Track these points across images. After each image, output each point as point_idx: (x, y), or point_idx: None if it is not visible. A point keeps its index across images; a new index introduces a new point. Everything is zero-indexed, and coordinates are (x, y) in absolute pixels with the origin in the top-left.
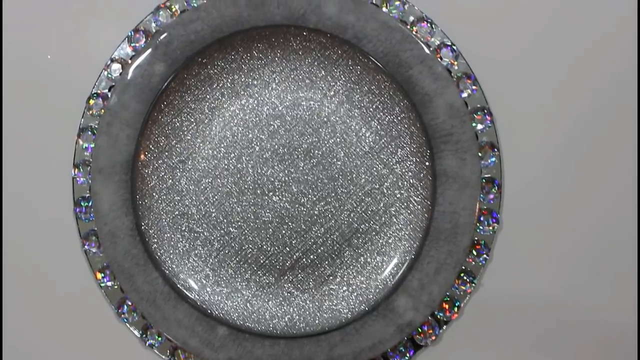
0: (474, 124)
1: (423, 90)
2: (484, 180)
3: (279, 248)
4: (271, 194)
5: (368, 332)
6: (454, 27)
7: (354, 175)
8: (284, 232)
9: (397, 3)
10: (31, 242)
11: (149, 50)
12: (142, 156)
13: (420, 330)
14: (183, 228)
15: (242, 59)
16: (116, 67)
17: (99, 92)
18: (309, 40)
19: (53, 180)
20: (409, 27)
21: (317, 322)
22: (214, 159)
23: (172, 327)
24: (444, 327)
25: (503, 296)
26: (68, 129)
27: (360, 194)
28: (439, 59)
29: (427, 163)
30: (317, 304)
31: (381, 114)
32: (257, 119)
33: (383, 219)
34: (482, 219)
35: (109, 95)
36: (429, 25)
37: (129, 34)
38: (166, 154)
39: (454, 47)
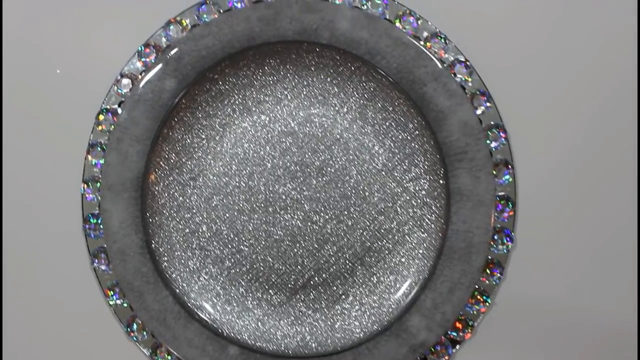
0: (488, 142)
1: (437, 108)
2: (497, 198)
3: (290, 266)
4: (283, 211)
5: (381, 352)
6: (468, 42)
7: (367, 193)
8: (295, 250)
9: (411, 19)
10: (40, 259)
11: (160, 66)
12: (153, 173)
13: (433, 350)
14: (193, 246)
15: (253, 75)
16: (126, 82)
17: (108, 107)
18: (321, 56)
19: (62, 197)
20: (422, 42)
21: (329, 341)
22: (225, 176)
23: (182, 346)
24: (457, 347)
25: (517, 315)
26: (77, 144)
27: (373, 212)
28: (453, 75)
29: (441, 181)
30: (329, 323)
31: (395, 131)
32: (269, 135)
33: (396, 237)
34: (495, 237)
35: (119, 111)
36: (442, 40)
37: (139, 48)
38: (177, 170)
39: (468, 63)
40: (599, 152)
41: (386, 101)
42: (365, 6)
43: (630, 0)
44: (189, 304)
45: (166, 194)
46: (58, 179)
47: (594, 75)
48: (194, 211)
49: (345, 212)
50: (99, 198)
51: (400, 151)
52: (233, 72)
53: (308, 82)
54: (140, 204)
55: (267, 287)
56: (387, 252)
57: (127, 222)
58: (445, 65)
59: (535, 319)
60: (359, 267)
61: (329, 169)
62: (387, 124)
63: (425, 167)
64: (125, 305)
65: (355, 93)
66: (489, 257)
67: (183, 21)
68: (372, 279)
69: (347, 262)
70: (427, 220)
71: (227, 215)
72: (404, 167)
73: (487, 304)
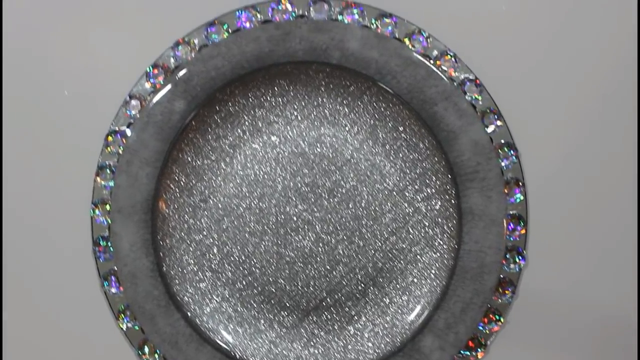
0: (499, 160)
1: (448, 127)
2: (509, 217)
3: (302, 288)
4: (294, 233)
5: None
6: (476, 58)
7: (378, 213)
8: (307, 272)
9: (420, 37)
10: (50, 281)
11: (169, 87)
12: (163, 195)
13: None
14: (205, 268)
15: (263, 96)
16: (135, 103)
17: (117, 129)
18: (331, 76)
19: (71, 219)
20: (432, 61)
21: None
22: (235, 197)
23: None
24: None
25: (529, 333)
26: (85, 166)
27: (384, 233)
28: (464, 93)
29: (452, 201)
30: (342, 344)
31: (405, 151)
32: (280, 156)
33: (408, 257)
34: (507, 256)
35: (128, 133)
36: (452, 58)
37: (148, 69)
38: (187, 192)
39: (478, 81)
40: (609, 168)
41: (397, 121)
42: (374, 25)
43: None
44: (201, 327)
45: (177, 216)
46: (66, 201)
47: (605, 92)
48: (205, 233)
49: (357, 233)
50: (109, 221)
51: (412, 171)
52: (243, 93)
53: (318, 103)
54: (151, 226)
55: (279, 309)
56: (399, 272)
57: (138, 245)
58: (455, 84)
59: (548, 337)
60: (371, 287)
61: (340, 189)
62: (398, 144)
63: (437, 187)
64: (136, 328)
65: (365, 113)
66: (501, 276)
67: (191, 41)
68: (384, 299)
69: (359, 283)
70: (438, 240)
71: (238, 237)
72: (416, 187)
73: (500, 323)
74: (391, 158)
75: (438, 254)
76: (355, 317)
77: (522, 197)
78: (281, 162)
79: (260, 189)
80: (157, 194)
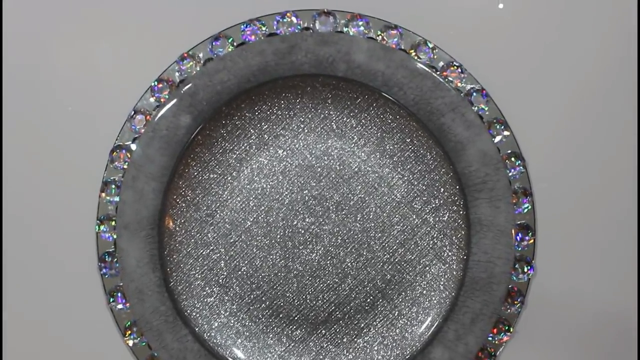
0: (507, 171)
1: (456, 138)
2: (517, 227)
3: (311, 302)
4: (302, 246)
5: None
6: (482, 70)
7: (387, 225)
8: (316, 285)
9: (426, 49)
10: (56, 299)
11: (174, 101)
12: (169, 210)
13: None
14: (212, 283)
15: (270, 109)
16: (139, 118)
17: (122, 144)
18: (338, 88)
19: (76, 235)
20: (438, 72)
21: None
22: (242, 211)
23: None
24: None
25: (539, 343)
26: (90, 182)
27: (393, 245)
28: (470, 104)
29: (460, 212)
30: (351, 357)
31: (413, 162)
32: (287, 170)
33: (417, 269)
34: (516, 266)
35: (133, 148)
36: (458, 69)
37: (152, 84)
38: (193, 207)
39: (484, 92)
40: (616, 177)
41: (404, 133)
42: (380, 37)
43: None
44: (209, 342)
45: (183, 231)
46: (71, 217)
47: (611, 102)
48: (212, 248)
49: (365, 245)
50: (115, 236)
51: (420, 182)
52: (249, 106)
53: (325, 115)
54: (157, 242)
55: (287, 322)
56: (408, 284)
57: (145, 260)
58: (462, 94)
59: (556, 346)
60: (380, 300)
61: (348, 202)
62: (406, 155)
63: (445, 198)
64: (143, 344)
65: (372, 125)
66: (510, 286)
67: (196, 55)
68: (393, 311)
69: (368, 295)
70: (447, 251)
71: (246, 251)
72: (424, 198)
73: (509, 333)
74: (399, 170)
75: (447, 265)
76: (365, 329)
77: (529, 207)
78: (288, 175)
79: (268, 202)
80: (164, 209)
